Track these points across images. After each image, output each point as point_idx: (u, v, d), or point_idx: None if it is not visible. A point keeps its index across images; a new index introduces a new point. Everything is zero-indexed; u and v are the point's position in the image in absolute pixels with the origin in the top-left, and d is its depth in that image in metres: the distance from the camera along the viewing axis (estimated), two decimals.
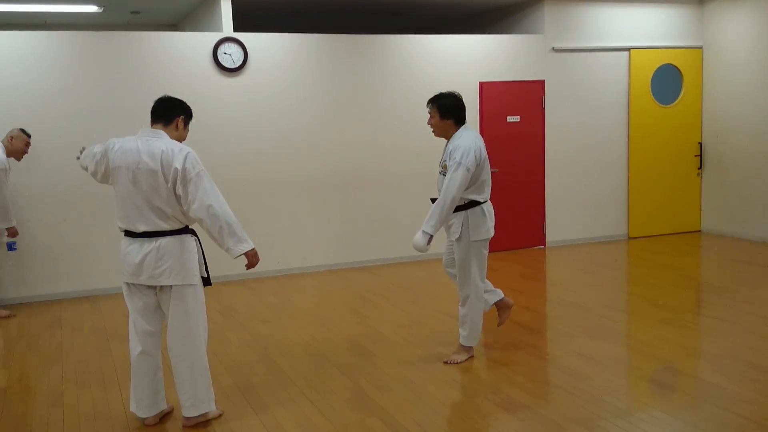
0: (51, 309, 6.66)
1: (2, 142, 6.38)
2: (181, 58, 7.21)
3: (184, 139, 3.90)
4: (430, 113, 4.69)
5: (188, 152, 3.65)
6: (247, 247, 3.73)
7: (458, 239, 4.73)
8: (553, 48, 8.57)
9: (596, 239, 9.03)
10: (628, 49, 8.87)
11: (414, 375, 4.58)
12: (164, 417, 4.01)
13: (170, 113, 3.83)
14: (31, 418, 4.14)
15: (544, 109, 8.62)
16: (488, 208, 4.74)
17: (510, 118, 8.47)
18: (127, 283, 3.81)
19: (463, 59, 8.24)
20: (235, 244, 3.69)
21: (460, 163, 4.46)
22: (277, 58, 7.56)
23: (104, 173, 3.83)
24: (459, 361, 4.79)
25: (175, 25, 9.70)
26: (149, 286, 3.76)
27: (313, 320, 5.99)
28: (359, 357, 4.98)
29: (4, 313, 6.39)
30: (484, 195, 4.70)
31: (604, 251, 8.52)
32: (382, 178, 8.05)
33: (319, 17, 9.33)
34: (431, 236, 4.47)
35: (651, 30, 8.96)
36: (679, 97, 9.19)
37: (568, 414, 3.90)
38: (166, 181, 3.60)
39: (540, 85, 8.57)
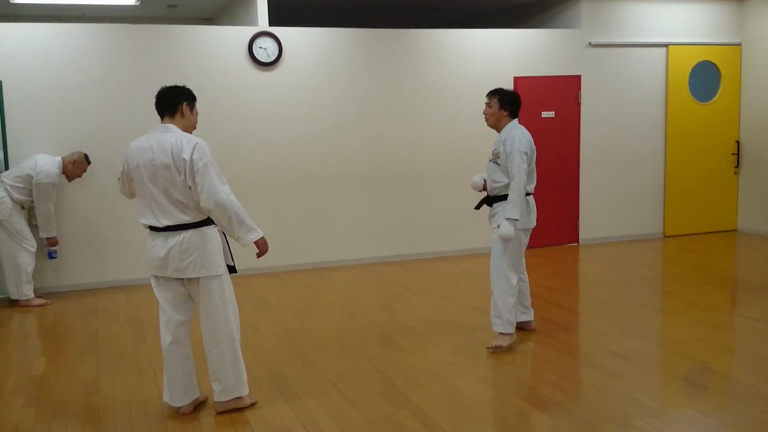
0: (87, 298, 6.76)
1: (63, 158, 6.57)
2: (217, 51, 7.27)
3: (194, 123, 3.94)
4: (488, 104, 5.01)
5: (197, 143, 3.69)
6: (257, 235, 3.77)
7: (499, 227, 4.87)
8: (590, 43, 8.48)
9: (631, 237, 8.93)
10: (666, 45, 8.75)
11: (444, 370, 4.58)
12: (198, 406, 4.06)
13: (172, 103, 3.84)
14: (67, 405, 4.21)
15: (579, 104, 8.54)
16: (531, 200, 4.96)
17: (545, 114, 8.40)
18: (155, 276, 3.87)
19: (498, 53, 8.20)
20: (244, 234, 3.73)
21: (517, 149, 4.76)
22: (312, 52, 7.58)
23: (129, 184, 3.92)
24: (503, 345, 4.88)
25: (211, 19, 9.77)
26: (177, 278, 3.82)
27: (344, 313, 6.01)
28: (390, 351, 4.99)
29: (41, 301, 6.51)
30: (530, 186, 4.93)
31: (638, 249, 8.42)
32: (414, 172, 8.04)
33: (353, 11, 9.33)
34: (516, 221, 4.78)
35: (689, 26, 8.83)
36: (717, 95, 9.04)
37: (602, 412, 3.87)
38: (179, 173, 3.66)
39: (576, 80, 8.49)
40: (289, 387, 4.35)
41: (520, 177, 4.75)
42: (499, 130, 5.02)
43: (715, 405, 4.00)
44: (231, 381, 3.90)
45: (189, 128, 3.89)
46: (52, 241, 6.62)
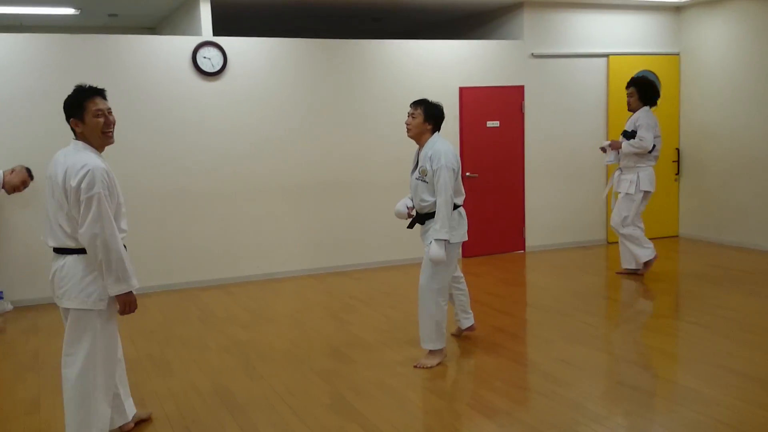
0: (27, 315, 6.57)
1: (3, 172, 6.36)
2: (160, 61, 7.16)
3: (96, 129, 3.48)
4: (412, 114, 4.83)
5: (88, 170, 3.32)
6: (122, 289, 3.41)
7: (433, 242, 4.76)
8: (533, 54, 8.62)
9: (575, 244, 9.08)
10: (607, 55, 8.94)
11: (394, 380, 4.57)
12: (140, 423, 3.97)
13: (68, 122, 3.53)
14: (7, 425, 4.08)
15: (523, 114, 8.66)
16: (462, 212, 4.88)
17: (490, 123, 8.50)
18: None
19: (444, 64, 8.27)
20: (112, 283, 3.39)
21: (445, 166, 4.65)
22: (257, 62, 7.53)
23: None
24: (428, 365, 4.78)
25: (153, 28, 9.64)
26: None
27: (293, 325, 5.97)
28: (339, 362, 4.96)
29: None
30: (460, 198, 4.85)
31: (583, 256, 8.57)
32: (362, 182, 8.04)
33: (298, 21, 9.31)
34: (447, 241, 4.66)
35: (629, 36, 9.05)
36: (657, 103, 9.25)
37: (548, 419, 3.91)
38: (66, 199, 3.37)
39: (519, 90, 8.61)
40: (236, 402, 4.29)
41: (447, 195, 4.64)
42: (419, 142, 4.87)
43: (658, 409, 4.08)
44: (75, 426, 3.50)
45: (94, 137, 3.49)
46: None
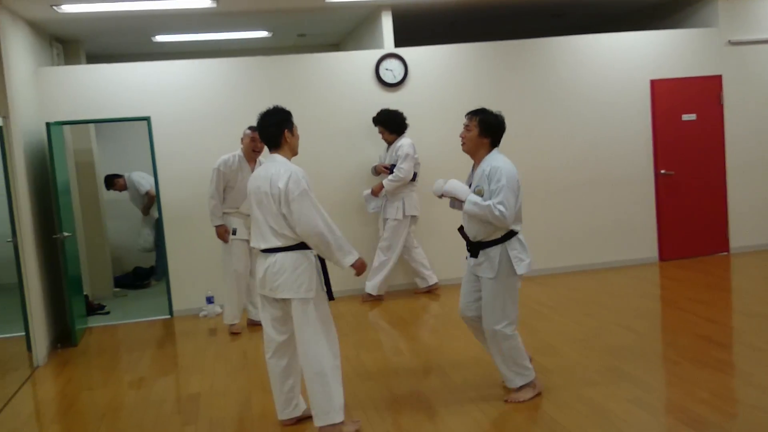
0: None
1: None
2: (346, 76, 7.42)
3: (297, 144, 4.10)
4: (467, 126, 4.32)
5: (292, 172, 3.86)
6: (353, 258, 3.94)
7: (494, 278, 4.21)
8: (730, 41, 8.01)
9: None
10: None
11: (592, 391, 4.40)
12: (302, 420, 4.21)
13: (274, 137, 4.01)
14: (224, 423, 4.37)
15: (722, 105, 8.07)
16: (523, 237, 4.31)
17: (685, 117, 7.99)
18: (261, 295, 4.07)
19: (632, 57, 7.89)
20: (342, 258, 3.91)
21: (507, 186, 4.09)
22: (437, 70, 7.59)
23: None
24: (522, 399, 4.31)
25: (337, 45, 10.01)
26: (275, 298, 4.00)
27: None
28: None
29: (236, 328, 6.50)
30: (520, 224, 4.28)
31: None
32: (546, 186, 7.82)
33: (476, 26, 9.28)
34: (460, 203, 4.22)
35: None
36: None
37: None
38: (275, 202, 3.86)
39: (717, 80, 8.03)
40: (429, 405, 4.33)
41: (507, 214, 4.05)
42: (475, 158, 4.35)
43: None
44: (323, 406, 3.92)
45: (294, 149, 4.10)
46: (220, 232, 6.38)
